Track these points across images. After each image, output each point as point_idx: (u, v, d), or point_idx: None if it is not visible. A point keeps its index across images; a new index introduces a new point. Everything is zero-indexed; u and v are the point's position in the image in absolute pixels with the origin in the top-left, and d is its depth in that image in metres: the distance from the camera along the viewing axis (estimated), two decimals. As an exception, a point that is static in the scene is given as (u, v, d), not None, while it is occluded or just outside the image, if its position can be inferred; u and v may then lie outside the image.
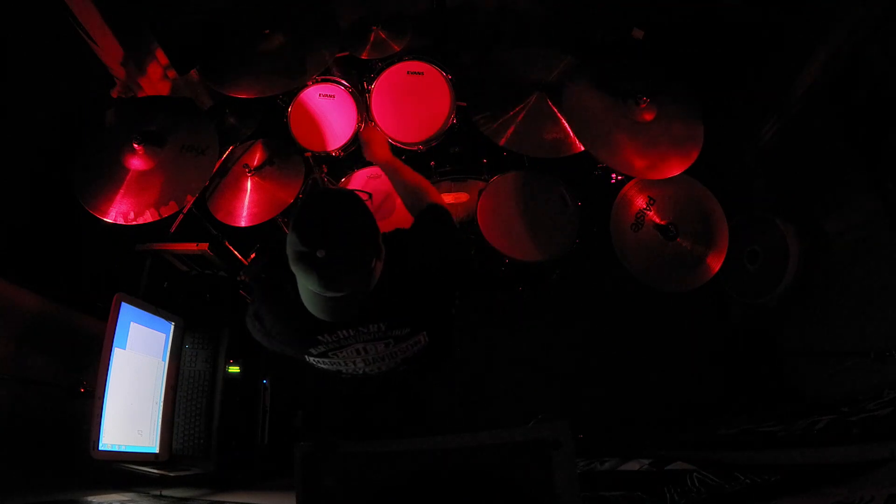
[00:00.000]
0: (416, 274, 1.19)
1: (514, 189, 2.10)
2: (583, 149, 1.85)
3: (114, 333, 1.68)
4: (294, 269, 1.01)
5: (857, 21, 1.86)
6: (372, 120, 2.11)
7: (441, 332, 1.30)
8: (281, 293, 1.24)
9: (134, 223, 1.67)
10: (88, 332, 1.88)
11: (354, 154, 2.22)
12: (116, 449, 1.62)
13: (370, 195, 2.02)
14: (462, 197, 2.17)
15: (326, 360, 1.26)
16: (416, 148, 2.10)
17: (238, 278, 2.13)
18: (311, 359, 1.26)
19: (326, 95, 2.19)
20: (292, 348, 1.26)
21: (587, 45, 2.44)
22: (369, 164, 2.15)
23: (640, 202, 1.96)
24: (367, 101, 2.15)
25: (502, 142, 1.90)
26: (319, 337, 1.19)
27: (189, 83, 2.42)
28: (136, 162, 1.73)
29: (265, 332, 1.26)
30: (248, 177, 2.03)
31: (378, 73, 2.17)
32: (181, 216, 2.00)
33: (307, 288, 1.04)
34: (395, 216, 2.02)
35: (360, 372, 1.31)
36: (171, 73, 2.35)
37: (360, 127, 2.14)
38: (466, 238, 2.11)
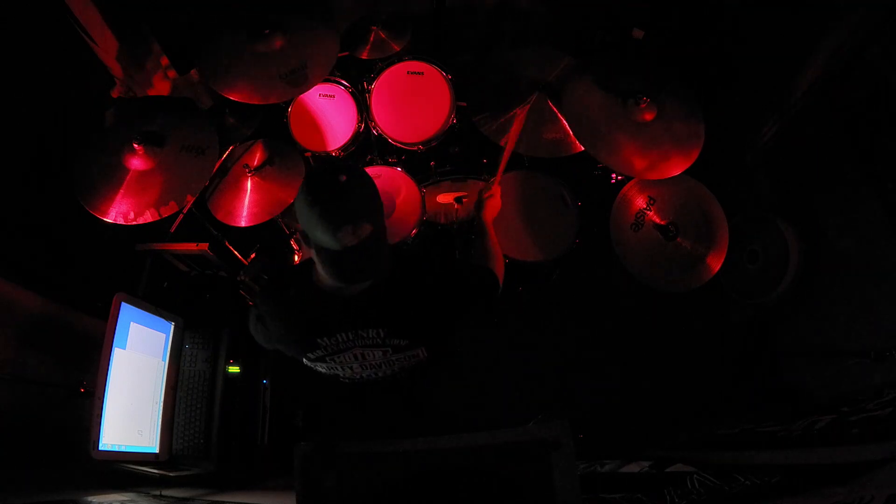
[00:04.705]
0: (422, 290, 1.20)
1: (514, 189, 2.10)
2: (583, 149, 1.85)
3: (114, 333, 1.68)
4: (310, 204, 1.00)
5: (858, 21, 1.86)
6: (372, 119, 2.12)
7: (440, 351, 1.30)
8: (283, 295, 1.25)
9: (134, 223, 1.67)
10: (88, 332, 1.88)
11: (354, 154, 2.22)
12: (116, 449, 1.62)
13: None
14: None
15: (324, 365, 1.26)
16: (416, 148, 2.10)
17: (238, 278, 2.13)
18: (309, 362, 1.26)
19: (326, 95, 2.20)
20: (291, 350, 1.26)
21: (587, 45, 2.45)
22: (369, 164, 2.15)
23: (640, 202, 1.96)
24: (367, 101, 2.15)
25: (502, 142, 1.90)
26: (318, 340, 1.19)
27: (189, 83, 2.42)
28: (136, 162, 1.73)
29: (267, 334, 1.26)
30: (248, 177, 2.03)
31: (378, 73, 2.17)
32: (181, 216, 2.00)
33: (322, 246, 1.03)
34: (395, 217, 2.02)
35: (358, 377, 1.31)
36: (171, 73, 2.35)
37: (360, 127, 2.14)
38: (468, 238, 2.11)
